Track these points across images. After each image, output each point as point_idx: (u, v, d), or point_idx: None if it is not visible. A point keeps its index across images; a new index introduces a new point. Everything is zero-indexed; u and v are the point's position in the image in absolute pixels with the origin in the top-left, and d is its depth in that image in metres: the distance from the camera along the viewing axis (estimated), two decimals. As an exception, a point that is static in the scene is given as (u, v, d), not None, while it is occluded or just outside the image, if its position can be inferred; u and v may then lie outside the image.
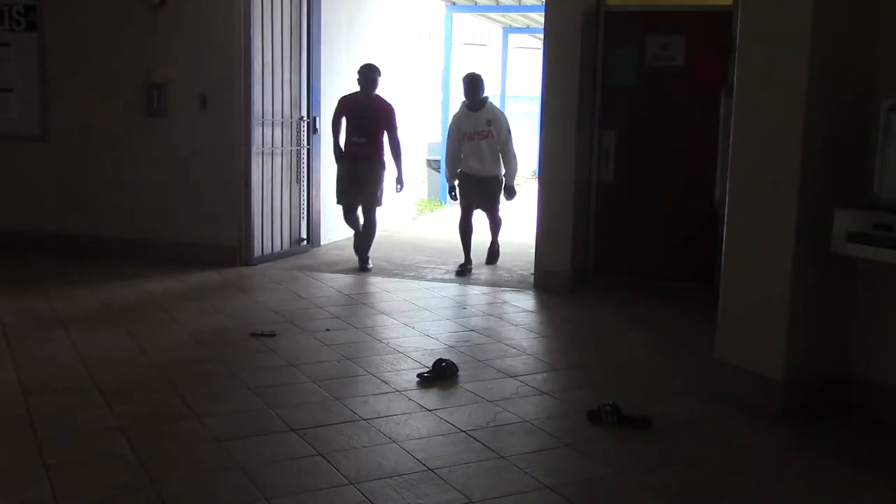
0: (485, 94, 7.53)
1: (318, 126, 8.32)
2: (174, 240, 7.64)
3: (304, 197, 8.35)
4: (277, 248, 7.94)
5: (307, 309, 6.20)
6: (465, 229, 7.74)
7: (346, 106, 7.64)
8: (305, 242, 8.41)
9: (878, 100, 3.98)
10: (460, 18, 16.04)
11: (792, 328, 4.21)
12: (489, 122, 7.48)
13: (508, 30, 16.63)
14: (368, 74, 7.52)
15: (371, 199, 7.56)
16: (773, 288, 4.25)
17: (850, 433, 4.13)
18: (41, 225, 7.97)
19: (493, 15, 15.82)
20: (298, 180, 8.24)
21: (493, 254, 7.99)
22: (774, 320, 4.25)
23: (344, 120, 7.63)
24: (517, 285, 7.16)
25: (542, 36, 7.11)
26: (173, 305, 6.15)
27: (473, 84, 7.49)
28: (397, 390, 4.54)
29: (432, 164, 13.65)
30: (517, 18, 16.24)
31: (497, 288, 7.06)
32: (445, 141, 7.83)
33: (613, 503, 3.44)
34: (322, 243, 8.52)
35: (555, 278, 6.90)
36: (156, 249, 7.63)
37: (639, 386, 4.73)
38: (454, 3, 14.33)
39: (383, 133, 7.55)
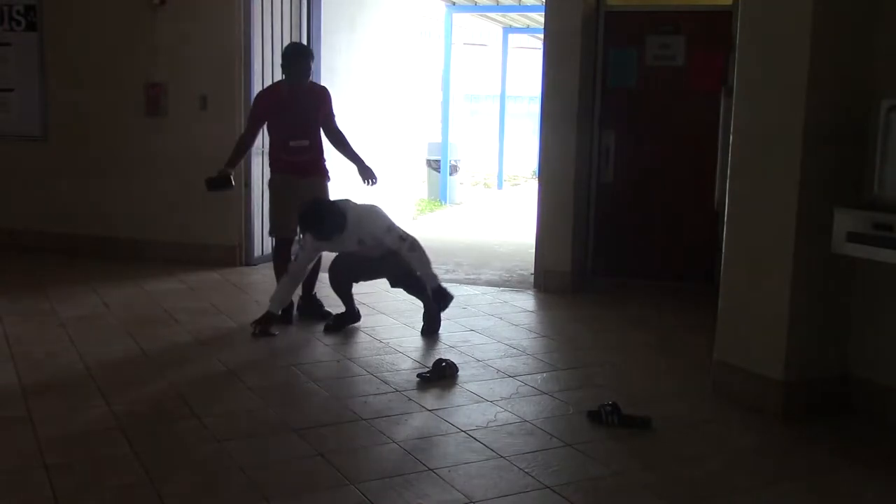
0: (338, 217, 5.26)
1: (318, 126, 8.30)
2: (174, 240, 7.64)
3: (304, 197, 8.33)
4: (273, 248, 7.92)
5: (307, 309, 6.20)
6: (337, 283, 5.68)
7: (274, 103, 5.75)
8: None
9: (878, 100, 3.98)
10: (460, 18, 16.04)
11: (792, 328, 4.21)
12: (362, 242, 5.35)
13: (508, 30, 16.63)
14: (302, 59, 5.69)
15: None
16: (773, 288, 4.24)
17: (850, 433, 4.12)
18: (41, 225, 7.96)
19: (493, 15, 15.83)
20: (298, 180, 8.21)
21: (431, 318, 5.58)
22: (774, 320, 4.25)
23: (265, 124, 5.90)
24: (517, 285, 7.16)
25: (542, 36, 7.11)
26: (173, 305, 6.15)
27: (311, 226, 5.31)
28: (397, 390, 4.54)
29: (432, 164, 13.67)
30: (517, 18, 16.24)
31: (497, 288, 7.06)
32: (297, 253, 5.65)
33: (613, 503, 3.45)
34: (322, 243, 8.51)
35: (555, 278, 6.90)
36: (156, 249, 7.63)
37: (639, 386, 4.73)
38: (454, 3, 14.33)
39: (321, 129, 5.91)
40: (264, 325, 5.42)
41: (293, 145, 5.72)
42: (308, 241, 5.45)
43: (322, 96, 5.90)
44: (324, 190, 5.80)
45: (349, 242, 5.35)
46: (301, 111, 5.73)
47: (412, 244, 5.30)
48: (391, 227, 5.32)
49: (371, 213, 5.39)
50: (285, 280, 5.51)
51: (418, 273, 5.36)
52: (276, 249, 5.99)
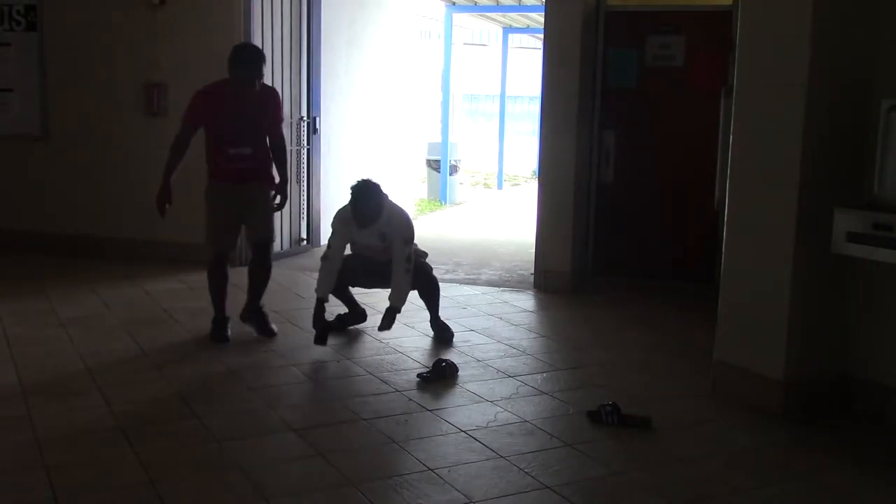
0: (380, 204, 5.24)
1: (318, 126, 8.32)
2: (174, 240, 7.63)
3: (304, 197, 8.35)
4: (277, 248, 7.92)
5: (307, 309, 6.18)
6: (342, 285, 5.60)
7: (216, 104, 5.19)
8: (305, 242, 8.41)
9: (878, 100, 3.98)
10: (460, 18, 16.04)
11: (792, 328, 4.21)
12: (383, 237, 5.32)
13: (508, 30, 16.63)
14: (257, 59, 5.14)
15: (269, 234, 5.48)
16: (773, 288, 4.24)
17: (850, 433, 4.13)
18: (41, 225, 7.96)
19: (493, 15, 15.83)
20: (298, 180, 8.23)
21: (440, 328, 5.58)
22: (774, 320, 4.25)
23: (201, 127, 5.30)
24: (517, 285, 7.16)
25: (542, 36, 7.11)
26: (173, 305, 6.16)
27: (358, 199, 5.21)
28: (397, 390, 4.54)
29: (432, 164, 13.67)
30: (517, 18, 16.24)
31: (497, 288, 7.06)
32: (328, 239, 5.55)
33: (613, 503, 3.45)
34: (322, 243, 8.51)
35: (555, 278, 6.90)
36: (156, 249, 7.63)
37: (639, 386, 4.73)
38: (454, 3, 14.33)
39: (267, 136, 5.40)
40: (317, 320, 5.24)
41: (232, 153, 5.24)
42: (337, 221, 5.37)
43: (272, 100, 5.42)
44: (268, 198, 5.41)
45: (372, 233, 5.30)
46: (247, 116, 5.20)
47: (409, 271, 5.28)
48: (409, 241, 5.30)
49: (402, 217, 5.39)
50: (323, 266, 5.37)
51: (392, 294, 5.31)
52: (212, 263, 5.50)
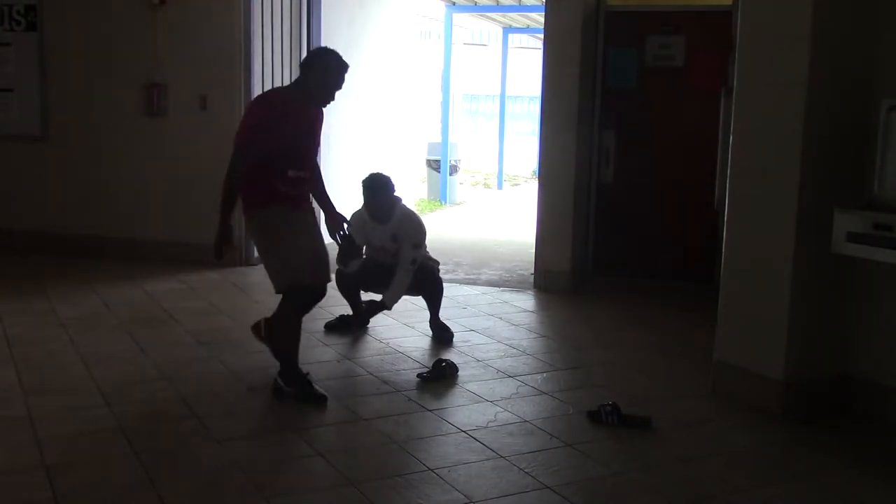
0: (393, 199, 5.38)
1: (318, 126, 8.30)
2: (174, 240, 7.64)
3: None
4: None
5: (307, 309, 6.20)
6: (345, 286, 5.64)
7: (279, 116, 4.27)
8: (305, 242, 8.39)
9: (878, 100, 3.98)
10: (460, 18, 16.05)
11: (792, 328, 4.21)
12: (395, 238, 5.40)
13: (508, 30, 16.64)
14: (340, 70, 4.39)
15: None
16: (773, 288, 4.25)
17: (850, 433, 4.13)
18: (41, 225, 7.96)
19: (493, 15, 15.84)
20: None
21: (440, 328, 5.59)
22: (774, 320, 4.25)
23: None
24: (517, 285, 7.16)
25: (542, 36, 7.11)
26: (173, 305, 6.15)
27: (373, 190, 5.33)
28: (397, 390, 4.54)
29: (432, 164, 13.67)
30: (517, 18, 16.25)
31: (497, 288, 7.06)
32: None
33: (613, 503, 3.45)
34: (322, 243, 8.51)
35: (555, 278, 6.90)
36: (156, 249, 7.63)
37: (639, 386, 4.73)
38: (454, 3, 14.33)
39: None
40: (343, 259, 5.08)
41: (292, 176, 4.35)
42: (351, 224, 5.02)
43: (321, 122, 4.63)
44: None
45: (385, 234, 5.44)
46: (309, 134, 4.49)
47: (410, 272, 5.41)
48: (418, 246, 5.43)
49: (415, 220, 5.56)
50: None
51: (388, 291, 5.46)
52: (301, 305, 4.45)
